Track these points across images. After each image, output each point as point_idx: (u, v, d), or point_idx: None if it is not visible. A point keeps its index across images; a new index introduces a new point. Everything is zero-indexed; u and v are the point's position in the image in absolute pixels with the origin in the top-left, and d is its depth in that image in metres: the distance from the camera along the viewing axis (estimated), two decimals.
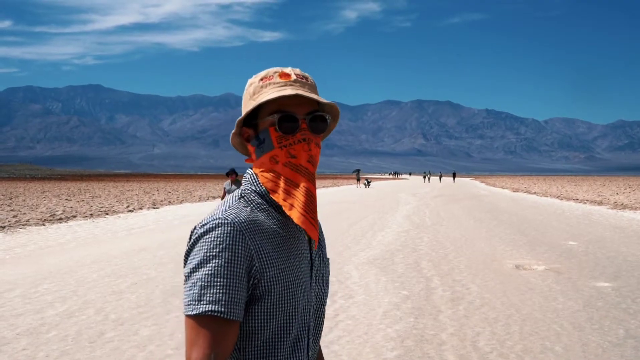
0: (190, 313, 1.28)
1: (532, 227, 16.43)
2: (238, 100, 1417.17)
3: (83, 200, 27.47)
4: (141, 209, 23.32)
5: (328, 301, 6.35)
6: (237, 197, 1.40)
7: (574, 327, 6.03)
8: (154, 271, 9.24)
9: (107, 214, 20.34)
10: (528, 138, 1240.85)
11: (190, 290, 1.30)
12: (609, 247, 12.38)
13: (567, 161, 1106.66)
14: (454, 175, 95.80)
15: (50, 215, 18.51)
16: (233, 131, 1.49)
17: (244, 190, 1.43)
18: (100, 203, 25.68)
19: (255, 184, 1.43)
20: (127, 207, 23.56)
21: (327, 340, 5.54)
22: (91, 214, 19.74)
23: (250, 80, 1.50)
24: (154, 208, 23.97)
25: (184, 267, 1.35)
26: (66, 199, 28.46)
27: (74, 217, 18.73)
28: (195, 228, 1.35)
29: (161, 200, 28.81)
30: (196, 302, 1.28)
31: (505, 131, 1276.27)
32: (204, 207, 25.68)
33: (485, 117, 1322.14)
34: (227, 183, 13.16)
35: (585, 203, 29.39)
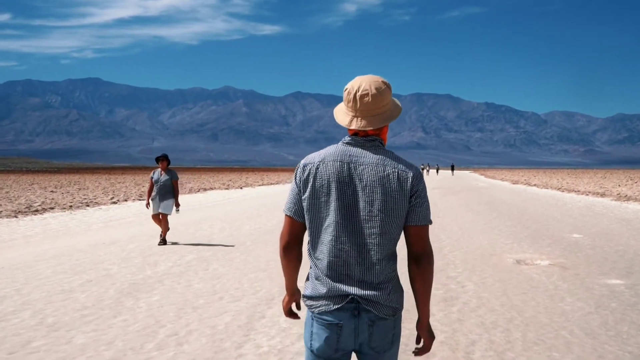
0: (431, 222, 2.30)
1: (533, 219, 15.54)
2: (237, 94, 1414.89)
3: (68, 192, 26.56)
4: (126, 200, 22.41)
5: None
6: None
7: (586, 334, 5.14)
8: (117, 267, 8.35)
9: (87, 205, 19.43)
10: (527, 131, 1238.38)
11: (428, 208, 2.29)
12: (616, 240, 11.49)
13: (566, 154, 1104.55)
14: (453, 168, 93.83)
15: (26, 207, 17.60)
16: (396, 116, 2.34)
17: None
18: (84, 195, 24.76)
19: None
20: (112, 198, 22.65)
21: (294, 350, 4.66)
22: (71, 206, 18.83)
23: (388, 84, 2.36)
24: (139, 200, 23.05)
25: (414, 192, 2.24)
26: (51, 191, 27.55)
27: (52, 208, 17.82)
28: (413, 172, 2.25)
29: None
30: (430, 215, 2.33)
31: (504, 124, 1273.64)
32: (192, 199, 24.78)
33: (485, 110, 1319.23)
34: (156, 173, 10.91)
35: (587, 195, 28.49)
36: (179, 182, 11.24)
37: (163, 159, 10.80)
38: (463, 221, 14.92)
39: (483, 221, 14.96)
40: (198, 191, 31.38)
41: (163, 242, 10.61)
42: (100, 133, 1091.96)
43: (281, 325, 5.36)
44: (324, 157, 2.28)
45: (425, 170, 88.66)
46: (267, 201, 23.14)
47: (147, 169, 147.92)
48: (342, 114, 2.35)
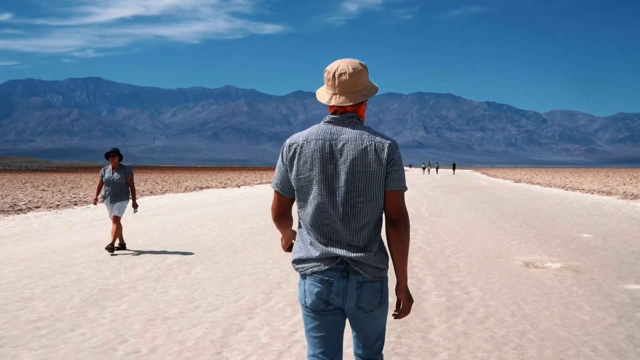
0: (406, 188, 2.42)
1: (540, 219, 14.83)
2: (238, 93, 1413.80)
3: (59, 191, 25.86)
4: None
5: (280, 316, 4.93)
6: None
7: (611, 351, 4.44)
8: (90, 270, 7.67)
9: (76, 204, 18.73)
10: (529, 130, 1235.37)
11: (402, 175, 2.41)
12: (629, 240, 10.78)
13: (567, 153, 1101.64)
14: (454, 167, 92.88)
15: (10, 206, 16.91)
16: (373, 94, 2.49)
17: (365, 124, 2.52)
18: (75, 193, 24.07)
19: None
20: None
21: None
22: (58, 205, 18.13)
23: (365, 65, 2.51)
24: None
25: (390, 161, 2.38)
26: (42, 190, 26.87)
27: (38, 207, 17.12)
28: (389, 143, 2.40)
29: (143, 191, 27.20)
30: (405, 182, 2.44)
31: (506, 123, 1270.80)
32: (186, 198, 24.10)
33: (486, 109, 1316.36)
34: (106, 170, 9.62)
35: (592, 193, 27.75)
36: (134, 180, 9.89)
37: (114, 155, 9.51)
38: (466, 220, 14.21)
39: (487, 220, 14.25)
40: (194, 190, 30.69)
41: (111, 248, 8.97)
42: (102, 132, 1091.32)
43: (260, 340, 4.67)
44: (307, 136, 2.43)
45: (426, 170, 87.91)
46: (264, 200, 22.44)
47: (147, 168, 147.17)
48: (323, 93, 2.51)
